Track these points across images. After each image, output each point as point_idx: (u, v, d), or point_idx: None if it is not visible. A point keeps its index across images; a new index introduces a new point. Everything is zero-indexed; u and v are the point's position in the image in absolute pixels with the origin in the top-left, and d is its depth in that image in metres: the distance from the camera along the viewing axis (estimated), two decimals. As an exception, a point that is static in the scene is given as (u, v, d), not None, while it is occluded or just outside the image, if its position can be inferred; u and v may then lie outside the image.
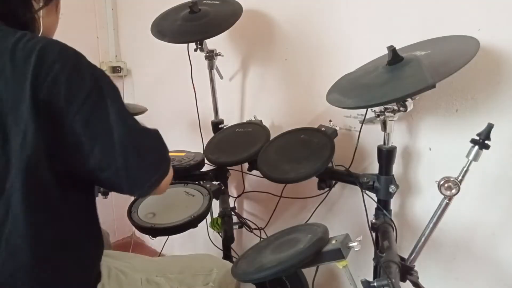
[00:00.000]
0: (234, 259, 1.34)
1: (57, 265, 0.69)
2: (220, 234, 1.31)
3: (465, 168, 0.86)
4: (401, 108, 0.94)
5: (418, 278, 0.92)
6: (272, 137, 1.29)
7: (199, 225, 1.10)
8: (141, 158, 0.71)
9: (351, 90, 1.00)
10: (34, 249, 0.65)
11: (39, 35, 0.74)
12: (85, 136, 0.65)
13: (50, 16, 0.78)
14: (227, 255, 1.34)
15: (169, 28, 1.37)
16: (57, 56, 0.64)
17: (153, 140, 0.77)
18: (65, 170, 0.67)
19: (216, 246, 1.64)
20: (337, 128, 1.19)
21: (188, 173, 1.39)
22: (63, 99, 0.63)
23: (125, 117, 0.71)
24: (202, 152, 1.46)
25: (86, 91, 0.65)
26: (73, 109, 0.64)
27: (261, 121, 1.44)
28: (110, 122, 0.67)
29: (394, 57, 0.93)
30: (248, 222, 1.58)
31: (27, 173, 0.62)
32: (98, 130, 0.66)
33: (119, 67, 2.20)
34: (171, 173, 0.79)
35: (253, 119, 1.47)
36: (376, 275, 1.05)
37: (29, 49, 0.63)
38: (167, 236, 1.65)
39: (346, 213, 1.36)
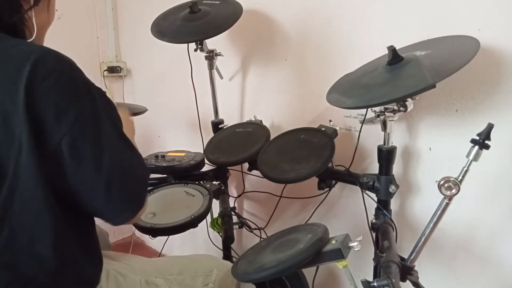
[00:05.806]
0: (234, 259, 1.33)
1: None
2: (220, 234, 1.31)
3: (465, 168, 0.86)
4: (401, 108, 0.94)
5: (418, 278, 0.93)
6: (272, 137, 1.29)
7: (199, 225, 1.10)
8: (124, 187, 0.68)
9: (351, 90, 1.00)
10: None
11: (34, 35, 0.71)
12: (71, 157, 0.62)
13: (42, 15, 0.74)
14: (227, 255, 1.34)
15: (169, 28, 1.37)
16: (52, 68, 0.61)
17: (140, 167, 0.73)
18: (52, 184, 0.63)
19: (216, 246, 1.64)
20: (337, 128, 1.19)
21: (188, 173, 1.39)
22: (53, 116, 0.60)
23: (119, 138, 0.68)
24: (202, 152, 1.46)
25: (79, 108, 0.62)
26: (62, 129, 0.60)
27: (261, 121, 1.44)
28: (102, 144, 0.64)
29: (394, 57, 0.93)
30: (248, 222, 1.58)
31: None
32: (86, 152, 0.63)
33: (119, 67, 2.20)
34: (146, 203, 0.75)
35: (253, 119, 1.47)
36: (376, 275, 1.05)
37: (24, 58, 0.60)
38: (167, 236, 1.65)
39: (346, 213, 1.36)
